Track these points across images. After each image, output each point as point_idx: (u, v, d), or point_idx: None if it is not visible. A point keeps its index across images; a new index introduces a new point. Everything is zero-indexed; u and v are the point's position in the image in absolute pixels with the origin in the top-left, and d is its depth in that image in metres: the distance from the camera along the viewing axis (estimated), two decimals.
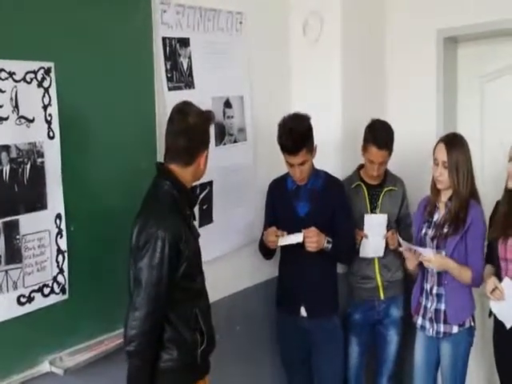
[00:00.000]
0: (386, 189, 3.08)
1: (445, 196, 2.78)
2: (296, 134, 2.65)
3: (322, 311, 2.89)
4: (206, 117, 2.15)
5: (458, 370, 2.78)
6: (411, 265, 2.79)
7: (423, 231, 2.83)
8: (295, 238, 2.72)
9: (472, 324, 2.77)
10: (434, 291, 2.77)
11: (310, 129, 2.72)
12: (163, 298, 1.99)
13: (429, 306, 2.80)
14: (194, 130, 2.08)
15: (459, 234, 2.68)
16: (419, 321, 2.87)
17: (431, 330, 2.80)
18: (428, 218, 2.83)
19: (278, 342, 3.07)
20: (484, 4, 3.12)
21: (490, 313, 2.72)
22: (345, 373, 3.12)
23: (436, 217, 2.81)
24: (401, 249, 2.82)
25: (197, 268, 2.15)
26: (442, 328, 2.76)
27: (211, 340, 2.17)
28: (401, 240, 2.80)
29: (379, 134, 2.91)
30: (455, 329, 2.74)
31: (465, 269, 2.67)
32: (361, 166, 3.14)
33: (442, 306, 2.75)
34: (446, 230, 2.72)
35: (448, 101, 3.39)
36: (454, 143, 2.71)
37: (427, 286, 2.80)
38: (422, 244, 2.81)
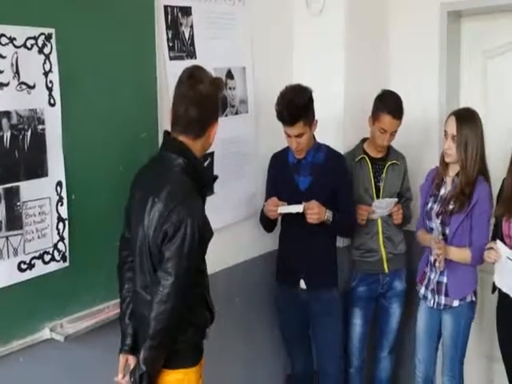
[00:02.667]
0: (389, 162, 3.09)
1: (453, 171, 2.78)
2: (294, 104, 2.63)
3: (321, 284, 2.90)
4: (218, 85, 2.04)
5: (459, 342, 2.82)
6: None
7: (429, 205, 2.84)
8: (296, 208, 2.72)
9: (473, 299, 2.80)
10: (437, 264, 2.78)
11: (309, 101, 2.69)
12: (189, 286, 1.95)
13: (432, 277, 2.84)
14: (206, 100, 1.96)
15: (464, 211, 2.68)
16: (422, 290, 2.91)
17: (432, 301, 2.84)
18: (434, 192, 2.84)
19: (277, 314, 3.09)
20: None
21: (494, 289, 2.74)
22: (347, 346, 3.16)
23: (442, 191, 2.81)
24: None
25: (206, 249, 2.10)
26: (442, 300, 2.80)
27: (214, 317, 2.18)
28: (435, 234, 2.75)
29: (393, 103, 2.92)
30: (456, 302, 2.77)
31: (463, 251, 2.69)
32: (364, 140, 3.13)
33: (444, 279, 2.78)
34: (451, 207, 2.72)
35: (451, 75, 3.37)
36: (465, 118, 2.70)
37: (431, 258, 2.82)
38: (428, 219, 2.81)
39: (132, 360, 2.08)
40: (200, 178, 2.03)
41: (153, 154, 2.14)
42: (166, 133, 2.08)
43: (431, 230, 2.80)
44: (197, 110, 1.95)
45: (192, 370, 2.06)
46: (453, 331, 2.81)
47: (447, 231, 2.73)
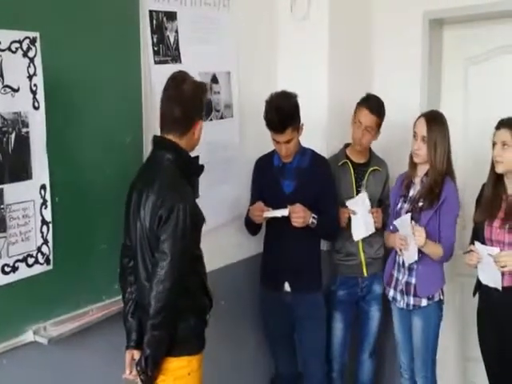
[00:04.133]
0: (371, 168, 3.13)
1: (421, 171, 2.84)
2: (282, 112, 2.66)
3: (305, 287, 2.91)
4: (201, 86, 2.17)
5: (429, 342, 2.87)
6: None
7: (399, 205, 2.90)
8: (281, 212, 2.74)
9: (441, 297, 2.86)
10: (407, 264, 2.83)
11: (296, 107, 2.73)
12: (186, 267, 2.05)
13: (400, 278, 2.88)
14: (188, 98, 2.09)
15: (433, 208, 2.75)
16: (391, 293, 2.95)
17: (402, 302, 2.89)
18: (404, 193, 2.90)
19: (262, 317, 3.11)
20: None
21: (475, 292, 2.78)
22: (329, 349, 3.17)
23: (412, 192, 2.88)
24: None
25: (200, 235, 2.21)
26: (411, 301, 2.85)
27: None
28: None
29: (373, 101, 3.00)
30: (424, 302, 2.82)
31: (437, 245, 2.74)
32: (346, 145, 3.16)
33: (413, 280, 2.83)
34: (420, 204, 2.79)
35: (433, 82, 3.42)
36: (434, 119, 2.78)
37: (400, 259, 2.87)
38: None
39: (137, 355, 2.13)
40: (188, 168, 2.16)
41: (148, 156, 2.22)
42: (156, 136, 2.19)
43: (397, 230, 2.84)
44: (180, 108, 2.09)
45: (195, 357, 2.15)
46: (423, 332, 2.85)
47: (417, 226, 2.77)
